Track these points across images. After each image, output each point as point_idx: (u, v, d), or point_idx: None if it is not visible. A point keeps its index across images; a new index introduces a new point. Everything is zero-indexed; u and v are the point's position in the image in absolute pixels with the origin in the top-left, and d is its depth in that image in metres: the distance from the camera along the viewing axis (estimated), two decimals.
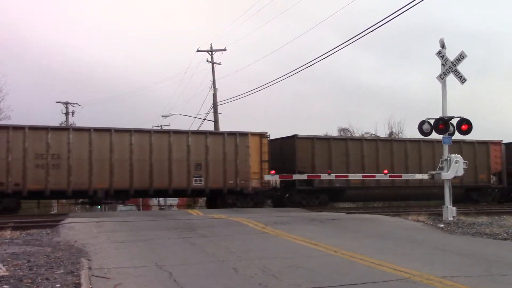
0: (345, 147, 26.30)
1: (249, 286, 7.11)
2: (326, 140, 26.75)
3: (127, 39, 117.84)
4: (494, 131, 68.74)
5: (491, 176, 29.04)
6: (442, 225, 15.13)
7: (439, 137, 17.65)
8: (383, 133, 47.95)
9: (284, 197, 26.05)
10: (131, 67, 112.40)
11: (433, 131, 17.05)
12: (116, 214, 23.00)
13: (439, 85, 17.26)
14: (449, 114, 17.06)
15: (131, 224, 14.47)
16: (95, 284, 7.16)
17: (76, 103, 51.68)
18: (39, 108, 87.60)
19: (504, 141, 30.01)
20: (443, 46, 17.13)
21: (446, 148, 17.34)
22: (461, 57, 16.95)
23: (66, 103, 51.26)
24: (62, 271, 7.87)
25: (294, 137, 25.85)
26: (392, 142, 28.11)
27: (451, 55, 17.05)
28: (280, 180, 26.70)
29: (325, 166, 25.22)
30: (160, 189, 23.79)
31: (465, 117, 16.95)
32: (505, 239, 12.47)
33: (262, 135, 25.35)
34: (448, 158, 17.03)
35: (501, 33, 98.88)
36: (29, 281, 7.13)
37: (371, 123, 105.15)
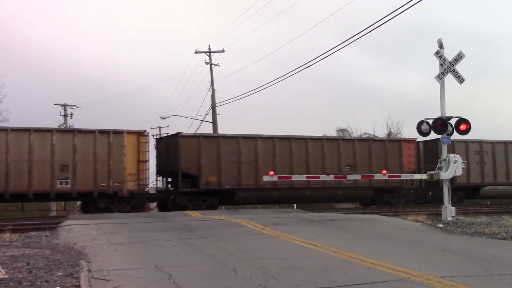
0: (236, 146, 24.55)
1: (248, 287, 7.11)
2: (214, 138, 24.95)
3: (126, 40, 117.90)
4: (493, 132, 68.84)
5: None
6: (441, 225, 15.15)
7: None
8: (381, 134, 48.07)
9: (168, 200, 24.43)
10: (130, 68, 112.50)
11: (432, 131, 17.06)
12: (115, 216, 22.82)
13: (438, 85, 17.28)
14: (448, 114, 17.08)
15: (130, 226, 14.46)
16: (94, 286, 7.16)
17: (75, 105, 51.68)
18: (38, 110, 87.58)
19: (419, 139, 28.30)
20: (441, 46, 17.16)
21: (444, 148, 17.36)
22: (459, 57, 16.98)
23: (65, 105, 51.22)
24: (61, 273, 7.88)
25: (177, 135, 24.35)
26: (292, 140, 25.89)
27: (450, 55, 17.09)
28: (167, 182, 25.64)
29: (213, 166, 24.03)
30: (18, 192, 21.65)
31: (464, 117, 17.00)
32: (504, 238, 12.49)
33: (140, 134, 23.69)
34: (447, 158, 17.03)
35: (501, 34, 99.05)
36: (29, 283, 7.13)
37: (370, 124, 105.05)
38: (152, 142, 26.58)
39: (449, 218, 16.38)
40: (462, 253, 10.25)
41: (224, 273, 7.99)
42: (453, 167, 16.90)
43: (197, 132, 25.03)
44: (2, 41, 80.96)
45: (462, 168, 17.33)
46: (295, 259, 9.10)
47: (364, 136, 43.77)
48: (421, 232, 14.01)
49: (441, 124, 16.80)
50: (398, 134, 48.19)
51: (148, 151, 23.93)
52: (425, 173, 26.78)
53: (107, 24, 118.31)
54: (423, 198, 28.91)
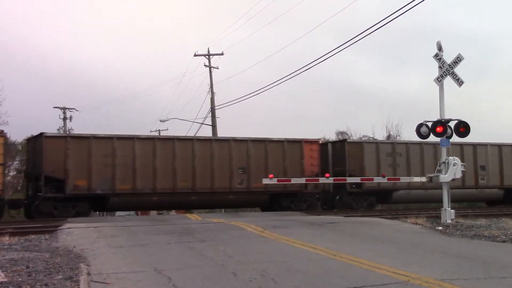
0: (111, 147, 22.58)
1: None
2: (84, 139, 22.64)
3: (125, 42, 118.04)
4: (494, 134, 68.87)
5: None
6: (440, 228, 15.15)
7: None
8: (380, 136, 48.11)
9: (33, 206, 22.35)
10: (129, 70, 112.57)
11: (431, 133, 17.08)
12: (114, 219, 22.92)
13: (437, 87, 17.27)
14: (449, 116, 17.10)
15: (129, 229, 14.46)
16: None
17: (74, 108, 51.72)
18: (38, 113, 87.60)
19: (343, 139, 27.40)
20: (440, 48, 17.19)
21: (444, 151, 17.36)
22: (458, 59, 17.01)
23: (64, 108, 51.26)
24: (61, 276, 7.87)
25: (41, 135, 22.25)
26: (175, 141, 23.90)
27: (449, 58, 17.12)
28: (33, 187, 23.73)
29: (83, 169, 22.10)
30: None
31: (463, 119, 17.02)
32: (504, 241, 12.49)
33: None
34: (446, 161, 17.05)
35: (500, 35, 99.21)
36: (28, 287, 7.13)
37: (369, 126, 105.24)
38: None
39: (449, 221, 16.39)
40: (462, 255, 10.25)
41: (224, 276, 7.99)
42: (452, 170, 16.91)
43: (68, 132, 22.55)
44: (1, 43, 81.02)
45: (462, 170, 17.35)
46: (294, 262, 9.10)
47: (364, 138, 43.81)
48: (421, 234, 14.02)
49: (440, 127, 16.82)
50: (398, 137, 48.25)
51: (4, 153, 21.89)
52: (336, 175, 25.46)
53: (107, 26, 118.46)
54: (330, 203, 27.07)
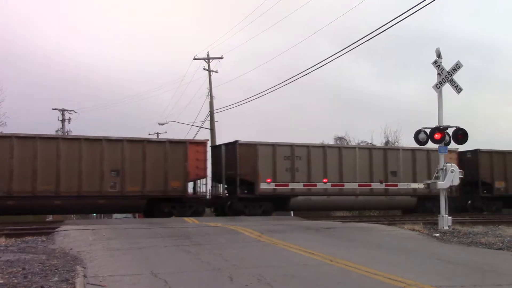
0: None
1: None
2: None
3: (125, 44, 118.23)
4: (493, 140, 68.96)
5: (187, 184, 24.02)
6: (437, 234, 15.16)
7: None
8: (379, 142, 48.16)
9: None
10: (129, 73, 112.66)
11: (429, 140, 17.11)
12: (111, 222, 22.90)
13: (436, 94, 17.32)
14: (448, 123, 17.13)
15: (126, 232, 14.44)
16: None
17: (73, 110, 51.78)
18: (37, 115, 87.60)
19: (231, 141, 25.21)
20: (439, 55, 17.23)
21: (442, 158, 17.36)
22: (457, 67, 17.04)
23: (62, 110, 51.31)
24: (57, 278, 7.86)
25: None
26: (37, 140, 22.00)
27: (448, 65, 17.17)
28: None
29: None
30: None
31: (461, 126, 17.05)
32: (500, 249, 12.49)
33: None
34: (444, 168, 17.06)
35: (499, 42, 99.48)
36: None
37: (368, 132, 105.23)
38: None
39: (446, 228, 16.39)
40: (458, 262, 10.25)
41: (220, 280, 7.98)
42: (450, 177, 16.92)
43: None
44: (1, 43, 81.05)
45: (460, 178, 17.36)
46: (291, 267, 9.10)
47: (362, 144, 43.83)
48: (417, 241, 14.01)
49: (438, 134, 16.84)
50: (396, 143, 48.30)
51: None
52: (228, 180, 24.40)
53: (107, 28, 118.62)
54: (221, 209, 25.66)
